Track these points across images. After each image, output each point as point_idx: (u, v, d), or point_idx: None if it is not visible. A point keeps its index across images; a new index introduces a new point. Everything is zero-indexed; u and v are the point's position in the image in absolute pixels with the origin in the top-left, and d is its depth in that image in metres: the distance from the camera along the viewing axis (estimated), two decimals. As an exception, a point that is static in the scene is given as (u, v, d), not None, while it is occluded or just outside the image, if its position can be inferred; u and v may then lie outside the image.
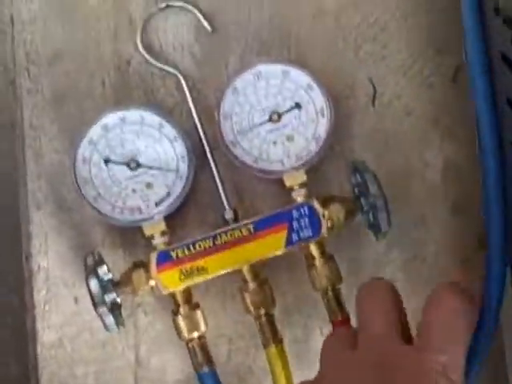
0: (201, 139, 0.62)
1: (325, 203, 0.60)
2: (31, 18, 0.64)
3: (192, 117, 0.62)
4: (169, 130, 0.61)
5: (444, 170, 0.64)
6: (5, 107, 0.63)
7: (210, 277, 0.59)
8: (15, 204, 0.65)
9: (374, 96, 0.64)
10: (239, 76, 0.62)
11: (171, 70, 0.63)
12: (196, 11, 0.63)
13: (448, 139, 0.64)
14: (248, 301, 0.60)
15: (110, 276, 0.58)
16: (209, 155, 0.62)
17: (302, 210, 0.60)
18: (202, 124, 0.62)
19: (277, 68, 0.62)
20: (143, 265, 0.60)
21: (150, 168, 0.60)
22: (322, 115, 0.61)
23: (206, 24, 0.63)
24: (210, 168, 0.62)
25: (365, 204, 0.60)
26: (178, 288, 0.59)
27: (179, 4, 0.64)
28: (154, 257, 0.59)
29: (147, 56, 0.63)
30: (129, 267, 0.60)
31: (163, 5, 0.64)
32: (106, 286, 0.57)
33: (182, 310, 0.60)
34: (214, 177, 0.62)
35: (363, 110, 0.64)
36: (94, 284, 0.57)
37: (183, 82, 0.63)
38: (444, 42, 0.64)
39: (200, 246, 0.59)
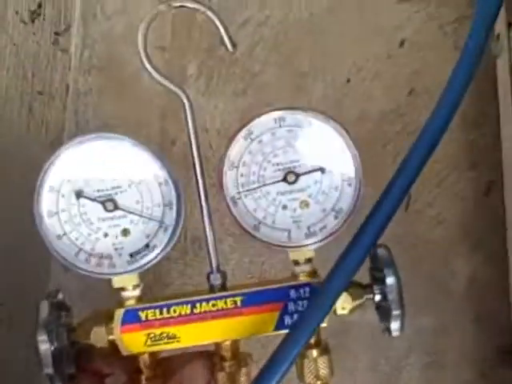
0: (197, 183, 0.51)
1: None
2: (86, 90, 0.64)
3: (191, 155, 0.50)
4: (158, 170, 0.49)
5: (470, 280, 0.61)
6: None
7: (181, 346, 0.51)
8: None
9: (408, 201, 0.60)
10: (257, 118, 0.49)
11: (176, 89, 0.50)
12: (220, 26, 0.49)
13: (476, 251, 0.61)
14: (220, 383, 0.52)
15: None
16: (203, 203, 0.51)
17: (301, 291, 0.50)
18: (201, 167, 0.50)
19: (305, 118, 0.49)
20: (106, 315, 0.51)
21: (130, 212, 0.50)
22: (349, 185, 0.49)
23: (227, 41, 0.50)
24: (202, 217, 0.51)
25: (379, 300, 0.50)
26: (143, 352, 0.51)
27: (197, 7, 0.49)
28: (119, 314, 0.50)
29: (150, 69, 0.50)
30: (88, 316, 0.51)
31: (177, 4, 0.49)
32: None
33: (143, 375, 0.52)
34: (205, 230, 0.51)
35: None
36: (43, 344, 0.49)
37: (187, 105, 0.50)
38: (479, 156, 0.62)
39: (175, 311, 0.50)
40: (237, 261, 0.65)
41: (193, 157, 0.50)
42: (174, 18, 0.65)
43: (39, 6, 0.63)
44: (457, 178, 0.63)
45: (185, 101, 0.50)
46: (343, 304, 0.50)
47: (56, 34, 0.64)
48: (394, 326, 0.49)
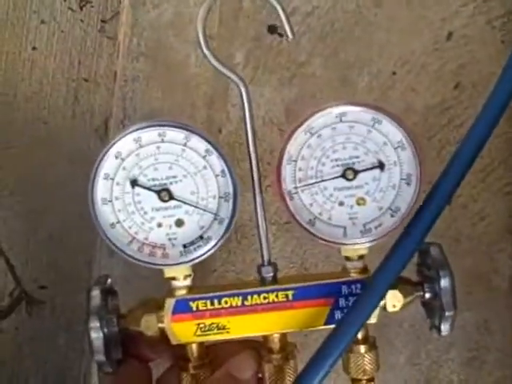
0: (252, 175, 0.50)
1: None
2: (134, 77, 0.64)
3: (246, 143, 0.50)
4: (216, 160, 0.49)
5: (512, 278, 0.56)
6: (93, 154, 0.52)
7: (230, 337, 0.51)
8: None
9: (451, 196, 0.54)
10: (318, 112, 0.48)
11: (234, 76, 0.49)
12: (282, 13, 0.48)
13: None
14: (267, 374, 0.52)
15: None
16: (257, 196, 0.50)
17: (353, 287, 0.50)
18: (257, 157, 0.50)
19: (367, 114, 0.48)
20: (156, 304, 0.51)
21: (185, 203, 0.49)
22: (408, 184, 0.49)
23: (287, 28, 0.49)
24: (255, 208, 0.50)
25: (429, 298, 0.50)
26: (192, 342, 0.51)
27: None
28: (170, 304, 0.50)
29: (209, 55, 0.49)
30: (138, 304, 0.51)
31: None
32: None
33: (191, 363, 0.52)
34: (257, 222, 0.51)
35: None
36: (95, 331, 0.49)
37: (244, 94, 0.49)
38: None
39: (226, 303, 0.50)
40: (279, 249, 0.65)
41: (248, 146, 0.50)
42: (222, 6, 0.63)
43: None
44: (502, 173, 0.62)
45: (242, 88, 0.49)
46: (393, 301, 0.50)
47: (102, 21, 0.63)
48: (445, 326, 0.49)
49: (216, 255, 0.55)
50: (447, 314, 0.49)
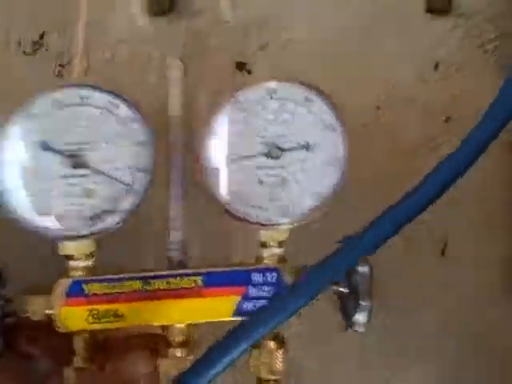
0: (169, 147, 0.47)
1: (297, 273, 0.48)
2: None
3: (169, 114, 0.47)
4: (137, 128, 0.46)
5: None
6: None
7: (125, 325, 0.46)
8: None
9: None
10: (248, 89, 0.47)
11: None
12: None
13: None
14: (162, 370, 0.47)
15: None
16: (175, 170, 0.47)
17: (267, 276, 0.47)
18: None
19: (298, 91, 0.47)
20: (48, 287, 0.46)
21: (97, 172, 0.45)
22: (334, 167, 0.47)
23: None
24: (168, 183, 0.47)
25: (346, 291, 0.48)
26: (83, 331, 0.46)
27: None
28: (62, 285, 0.45)
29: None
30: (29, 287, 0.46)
31: None
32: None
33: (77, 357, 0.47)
34: (170, 199, 0.47)
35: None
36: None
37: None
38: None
39: (124, 286, 0.46)
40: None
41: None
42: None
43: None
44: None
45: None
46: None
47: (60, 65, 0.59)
48: (359, 317, 0.47)
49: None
50: (363, 303, 0.47)
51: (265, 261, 0.48)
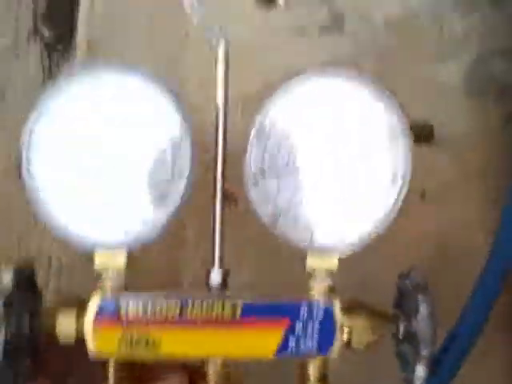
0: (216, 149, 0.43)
1: (349, 310, 0.42)
2: None
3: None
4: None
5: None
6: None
7: (159, 356, 0.42)
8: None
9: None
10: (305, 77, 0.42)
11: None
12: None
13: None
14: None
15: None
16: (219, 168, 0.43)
17: (314, 311, 0.42)
18: (224, 131, 0.43)
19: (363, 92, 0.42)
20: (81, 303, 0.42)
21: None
22: (394, 182, 0.42)
23: None
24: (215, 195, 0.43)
25: (403, 336, 0.42)
26: (112, 356, 0.42)
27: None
28: (94, 302, 0.42)
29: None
30: (59, 300, 0.43)
31: None
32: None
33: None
34: (214, 218, 0.43)
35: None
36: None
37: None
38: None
39: (161, 312, 0.42)
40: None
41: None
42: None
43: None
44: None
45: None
46: (360, 336, 0.42)
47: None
48: (419, 368, 0.41)
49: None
50: (423, 351, 0.40)
51: (312, 292, 0.42)
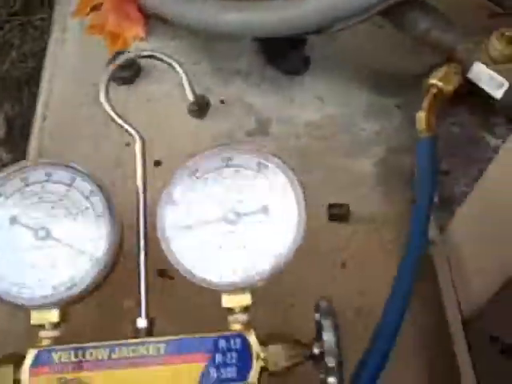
0: (138, 220, 0.49)
1: (266, 339, 0.46)
2: None
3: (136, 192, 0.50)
4: (98, 201, 0.48)
5: None
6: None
7: None
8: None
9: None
10: (205, 156, 0.49)
11: (131, 129, 0.51)
12: (183, 75, 0.52)
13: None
14: None
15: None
16: (141, 239, 0.49)
17: (231, 342, 0.45)
18: (145, 204, 0.49)
19: (253, 159, 0.49)
20: (19, 357, 0.46)
21: (61, 243, 0.47)
22: (291, 227, 0.47)
23: (188, 91, 0.52)
24: (138, 253, 0.49)
25: (315, 357, 0.45)
26: None
27: (162, 57, 0.53)
28: (31, 354, 0.45)
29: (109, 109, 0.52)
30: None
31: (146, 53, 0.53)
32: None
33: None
34: (139, 269, 0.48)
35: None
36: None
37: (138, 145, 0.51)
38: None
39: (91, 355, 0.45)
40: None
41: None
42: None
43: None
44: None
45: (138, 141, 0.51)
46: (276, 358, 0.45)
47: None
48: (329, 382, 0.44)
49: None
50: (329, 362, 0.44)
51: (230, 327, 0.46)
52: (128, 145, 0.63)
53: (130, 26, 0.80)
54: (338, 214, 0.64)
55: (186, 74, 0.53)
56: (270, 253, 0.47)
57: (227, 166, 0.49)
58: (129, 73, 0.74)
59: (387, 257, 0.62)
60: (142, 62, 0.74)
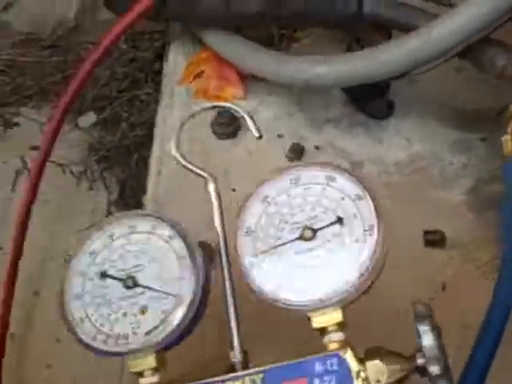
0: (220, 256, 0.49)
1: (365, 357, 0.43)
2: None
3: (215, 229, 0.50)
4: (179, 243, 0.48)
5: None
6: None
7: None
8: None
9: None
10: (272, 181, 0.48)
11: (202, 172, 0.52)
12: (246, 116, 0.53)
13: None
14: None
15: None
16: (226, 273, 0.48)
17: (328, 363, 0.43)
18: (225, 240, 0.49)
19: (319, 174, 0.47)
20: None
21: (148, 288, 0.48)
22: (371, 234, 0.45)
23: (254, 129, 0.52)
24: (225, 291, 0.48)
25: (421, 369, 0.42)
26: None
27: (229, 105, 0.54)
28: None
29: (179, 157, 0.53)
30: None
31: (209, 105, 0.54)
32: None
33: None
34: (226, 302, 0.48)
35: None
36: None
37: (212, 185, 0.51)
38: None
39: None
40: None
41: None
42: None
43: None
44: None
45: (211, 184, 0.51)
46: (377, 375, 0.42)
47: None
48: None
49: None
50: (431, 369, 0.40)
51: (328, 348, 0.44)
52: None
53: (230, 88, 0.84)
54: (434, 239, 0.66)
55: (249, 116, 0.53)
56: (352, 264, 0.44)
57: (296, 185, 0.47)
58: (230, 128, 0.78)
59: (484, 278, 0.64)
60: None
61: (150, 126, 0.86)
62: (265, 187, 0.48)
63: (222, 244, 0.49)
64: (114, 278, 0.49)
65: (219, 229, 0.49)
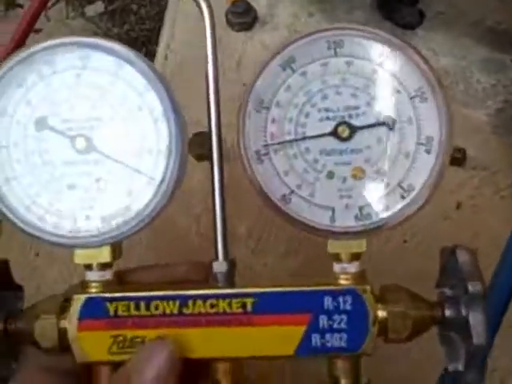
0: (210, 132, 0.36)
1: (383, 297, 0.35)
2: None
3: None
4: (155, 100, 0.34)
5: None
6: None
7: None
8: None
9: None
10: (302, 39, 0.34)
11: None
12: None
13: None
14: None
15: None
16: (215, 159, 0.36)
17: (340, 300, 0.34)
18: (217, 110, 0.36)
19: (373, 46, 0.34)
20: (62, 304, 0.36)
21: (107, 157, 0.35)
22: (428, 152, 0.34)
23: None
24: (212, 178, 0.36)
25: (451, 326, 0.34)
26: (103, 361, 0.35)
27: None
28: (79, 302, 0.35)
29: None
30: (40, 301, 0.36)
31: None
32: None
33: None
34: (214, 202, 0.36)
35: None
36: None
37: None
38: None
39: (157, 308, 0.35)
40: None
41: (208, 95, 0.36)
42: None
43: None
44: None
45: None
46: (399, 323, 0.34)
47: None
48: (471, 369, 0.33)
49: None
50: (476, 343, 0.33)
51: (339, 280, 0.35)
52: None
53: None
54: (455, 157, 0.62)
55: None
56: (398, 186, 0.34)
57: (335, 54, 0.34)
58: (244, 19, 0.70)
59: (501, 202, 0.62)
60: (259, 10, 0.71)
61: (159, 19, 0.81)
62: (291, 48, 0.34)
63: (213, 110, 0.36)
64: (59, 133, 0.35)
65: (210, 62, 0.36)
